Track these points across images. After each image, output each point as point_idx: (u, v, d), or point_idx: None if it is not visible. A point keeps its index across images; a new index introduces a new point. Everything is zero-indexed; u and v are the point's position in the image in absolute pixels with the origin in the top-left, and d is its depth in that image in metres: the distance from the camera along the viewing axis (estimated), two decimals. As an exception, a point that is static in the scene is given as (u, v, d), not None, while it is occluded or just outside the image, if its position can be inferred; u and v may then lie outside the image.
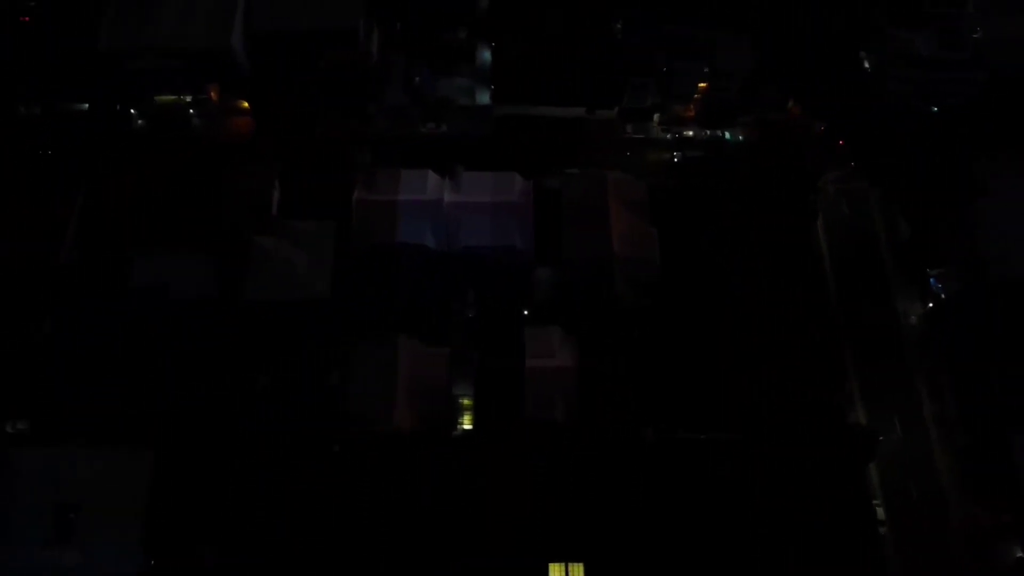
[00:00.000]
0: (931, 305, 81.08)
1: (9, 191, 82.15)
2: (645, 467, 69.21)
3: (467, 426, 73.74)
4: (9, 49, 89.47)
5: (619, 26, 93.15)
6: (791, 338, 77.41)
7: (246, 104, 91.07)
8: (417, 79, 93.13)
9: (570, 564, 66.15)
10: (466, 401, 74.29)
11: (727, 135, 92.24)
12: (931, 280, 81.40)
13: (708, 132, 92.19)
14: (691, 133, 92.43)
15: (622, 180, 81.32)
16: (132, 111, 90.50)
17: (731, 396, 74.12)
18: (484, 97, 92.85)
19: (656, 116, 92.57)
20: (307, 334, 74.77)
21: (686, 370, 75.41)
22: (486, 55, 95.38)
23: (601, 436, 69.66)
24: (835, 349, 79.34)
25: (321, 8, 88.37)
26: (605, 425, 70.04)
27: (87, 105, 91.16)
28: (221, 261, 77.64)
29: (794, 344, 77.03)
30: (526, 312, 79.13)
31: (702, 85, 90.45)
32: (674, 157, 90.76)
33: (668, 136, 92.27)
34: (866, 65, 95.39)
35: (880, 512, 70.98)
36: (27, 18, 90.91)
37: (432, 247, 77.45)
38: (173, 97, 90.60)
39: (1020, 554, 69.77)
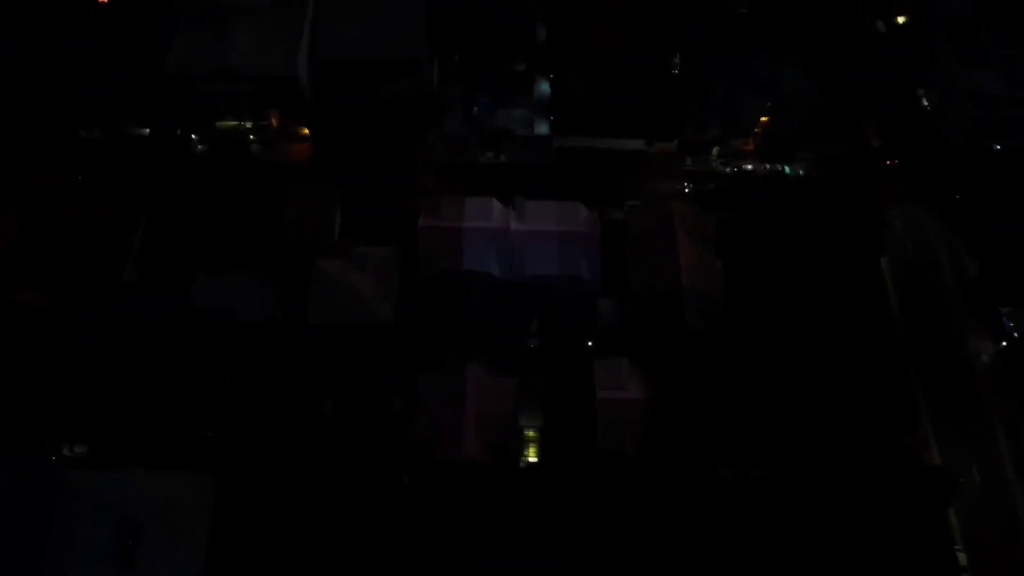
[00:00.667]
0: (1004, 344, 79.38)
1: (71, 214, 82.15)
2: (718, 504, 67.17)
3: (532, 459, 72.21)
4: (73, 74, 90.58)
5: (679, 59, 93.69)
6: (860, 377, 75.68)
7: (306, 131, 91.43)
8: (476, 109, 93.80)
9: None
10: (531, 433, 72.82)
11: (787, 169, 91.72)
12: (1003, 318, 79.91)
13: (768, 166, 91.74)
14: (750, 167, 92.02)
15: (688, 211, 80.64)
16: (193, 136, 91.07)
17: (802, 435, 72.25)
18: (543, 128, 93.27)
19: (715, 149, 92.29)
20: (371, 360, 73.74)
21: (754, 407, 73.66)
22: (544, 87, 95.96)
23: (673, 470, 67.86)
24: (906, 389, 77.58)
25: (384, 38, 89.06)
26: (677, 459, 68.29)
27: (148, 130, 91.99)
28: (283, 284, 77.33)
29: (863, 383, 75.29)
30: (590, 343, 77.96)
31: (763, 119, 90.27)
32: (685, 187, 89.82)
33: (727, 169, 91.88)
34: (925, 103, 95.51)
35: (962, 558, 68.48)
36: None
37: (497, 275, 76.59)
38: (234, 123, 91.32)
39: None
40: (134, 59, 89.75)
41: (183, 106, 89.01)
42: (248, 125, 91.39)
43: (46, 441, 70.32)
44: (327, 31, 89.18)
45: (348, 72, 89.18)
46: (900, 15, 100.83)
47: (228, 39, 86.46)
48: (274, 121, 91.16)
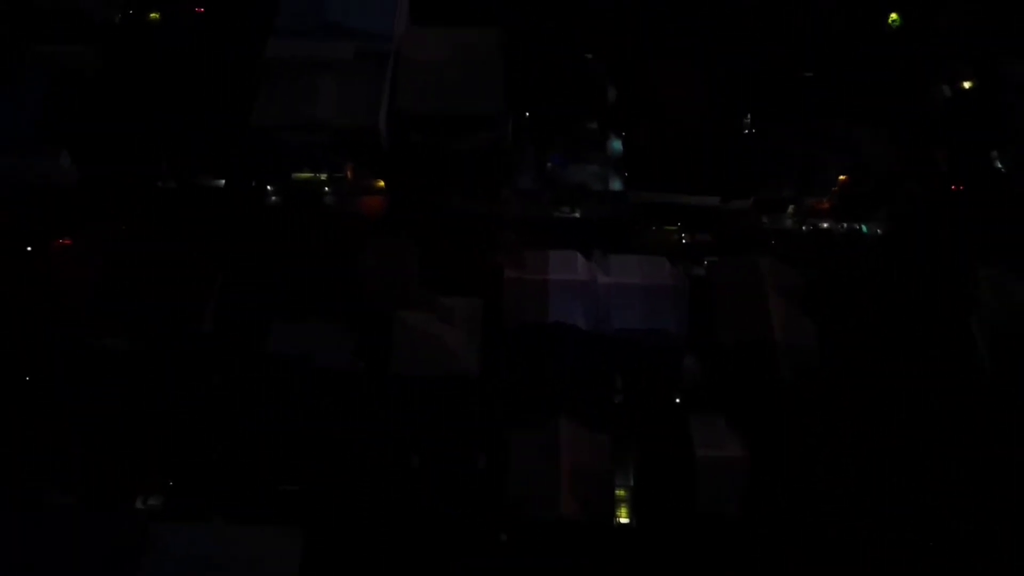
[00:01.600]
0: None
1: (148, 265, 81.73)
2: (826, 565, 64.09)
3: (624, 519, 69.39)
4: (152, 124, 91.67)
5: (754, 118, 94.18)
6: (950, 435, 73.55)
7: (381, 183, 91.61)
8: (549, 165, 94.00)
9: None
10: (622, 492, 70.19)
11: (864, 228, 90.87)
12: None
13: (845, 225, 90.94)
14: (827, 225, 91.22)
15: (776, 266, 79.59)
16: (268, 187, 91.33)
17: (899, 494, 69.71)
18: (617, 183, 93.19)
19: (791, 207, 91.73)
20: (456, 413, 71.89)
21: (848, 464, 71.26)
22: (616, 144, 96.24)
23: (777, 533, 64.97)
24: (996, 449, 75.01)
25: (463, 93, 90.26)
26: (780, 521, 65.48)
27: (223, 181, 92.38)
28: (364, 334, 76.26)
29: (953, 440, 73.12)
30: (677, 399, 75.93)
31: (841, 178, 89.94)
32: (681, 239, 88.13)
33: (804, 228, 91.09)
34: (999, 165, 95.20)
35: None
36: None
37: (583, 328, 75.26)
38: (309, 174, 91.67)
39: None
40: (214, 110, 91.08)
41: (261, 157, 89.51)
42: (323, 177, 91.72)
43: (125, 491, 68.12)
44: (407, 84, 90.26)
45: (426, 125, 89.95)
46: (966, 80, 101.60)
47: (312, 92, 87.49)
48: (350, 173, 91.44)
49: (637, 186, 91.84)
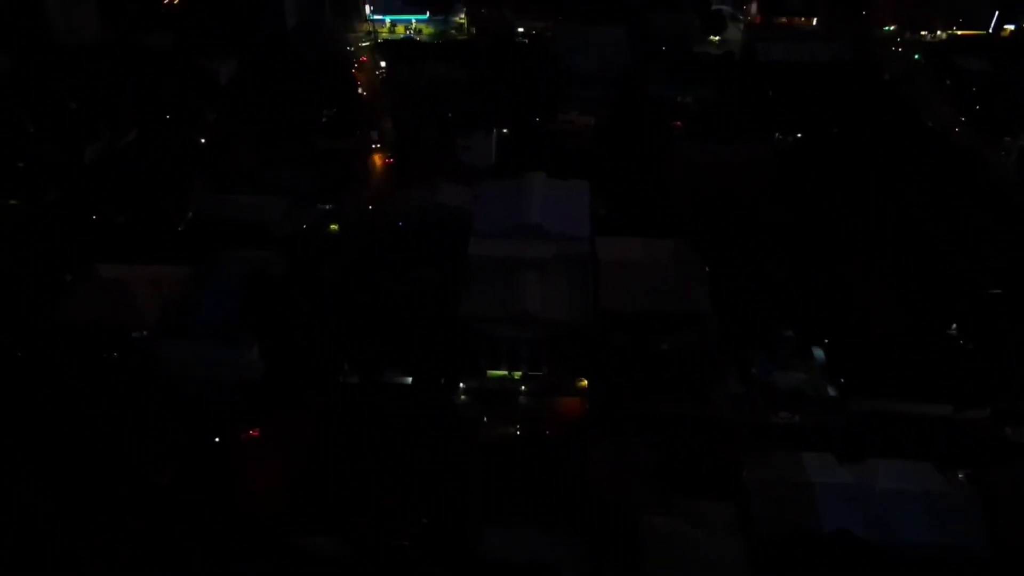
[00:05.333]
0: None
1: (355, 477, 74.86)
2: None
3: None
4: (333, 324, 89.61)
5: (956, 327, 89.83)
6: None
7: (584, 382, 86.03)
8: (754, 370, 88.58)
9: None
10: None
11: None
12: None
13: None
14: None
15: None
16: (461, 385, 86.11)
17: None
18: (830, 389, 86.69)
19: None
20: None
21: None
22: (819, 352, 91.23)
23: None
24: None
25: (667, 294, 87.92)
26: None
27: (410, 379, 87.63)
28: (600, 541, 66.37)
29: None
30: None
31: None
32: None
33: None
34: None
35: None
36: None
37: (861, 536, 64.79)
38: (503, 372, 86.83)
39: None
40: (399, 310, 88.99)
41: (458, 353, 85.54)
42: (517, 376, 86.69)
43: None
44: (609, 285, 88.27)
45: (631, 325, 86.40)
46: None
47: (518, 287, 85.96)
48: (547, 370, 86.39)
49: (858, 393, 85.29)
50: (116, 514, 70.13)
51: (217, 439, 77.97)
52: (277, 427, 79.63)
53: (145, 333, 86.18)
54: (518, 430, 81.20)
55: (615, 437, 75.73)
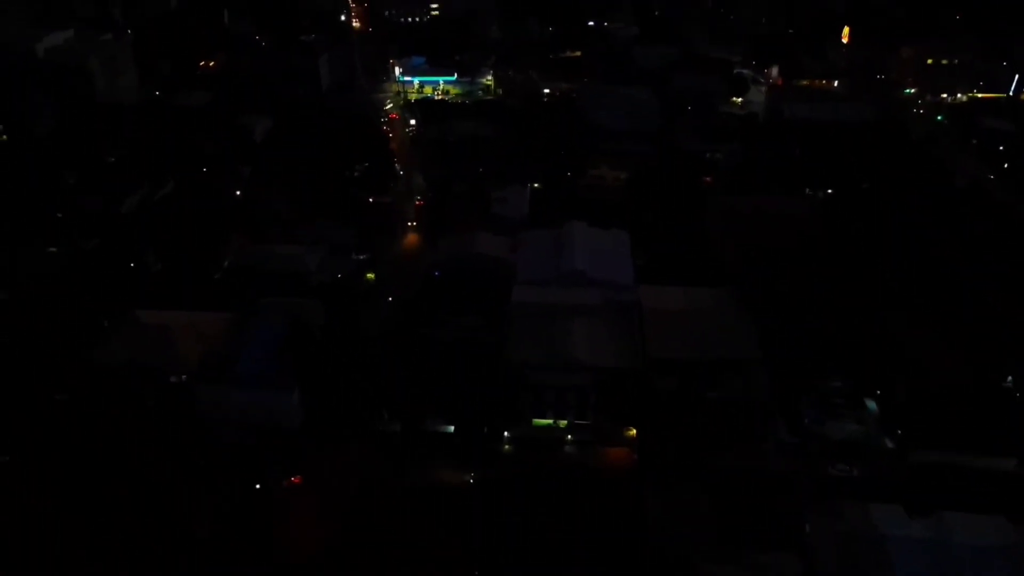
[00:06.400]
0: None
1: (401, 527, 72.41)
2: None
3: None
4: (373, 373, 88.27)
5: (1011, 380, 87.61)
6: None
7: (633, 431, 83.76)
8: (806, 420, 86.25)
9: None
10: None
11: None
12: None
13: None
14: None
15: None
16: (505, 433, 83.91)
17: None
18: (887, 441, 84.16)
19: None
20: None
21: None
22: (872, 404, 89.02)
23: None
24: None
25: (716, 341, 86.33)
26: None
27: (453, 428, 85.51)
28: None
29: None
30: None
31: None
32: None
33: None
34: None
35: None
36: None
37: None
38: (548, 421, 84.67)
39: None
40: (442, 360, 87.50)
41: (502, 401, 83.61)
42: (563, 424, 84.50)
43: None
44: (657, 332, 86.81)
45: (680, 372, 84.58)
46: None
47: (565, 334, 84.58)
48: (594, 419, 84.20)
49: (918, 445, 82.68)
50: (156, 564, 67.55)
51: (257, 487, 75.70)
52: (319, 475, 77.57)
53: (184, 378, 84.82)
54: (570, 479, 78.66)
55: (670, 486, 73.16)
